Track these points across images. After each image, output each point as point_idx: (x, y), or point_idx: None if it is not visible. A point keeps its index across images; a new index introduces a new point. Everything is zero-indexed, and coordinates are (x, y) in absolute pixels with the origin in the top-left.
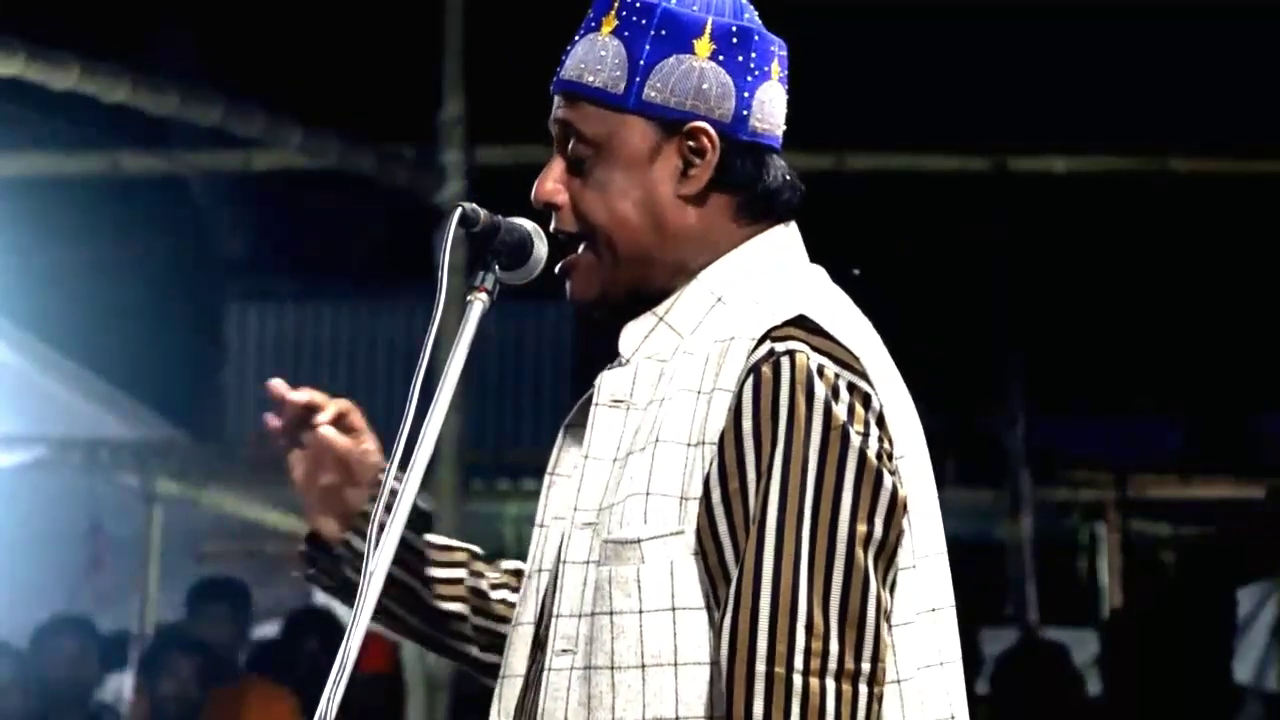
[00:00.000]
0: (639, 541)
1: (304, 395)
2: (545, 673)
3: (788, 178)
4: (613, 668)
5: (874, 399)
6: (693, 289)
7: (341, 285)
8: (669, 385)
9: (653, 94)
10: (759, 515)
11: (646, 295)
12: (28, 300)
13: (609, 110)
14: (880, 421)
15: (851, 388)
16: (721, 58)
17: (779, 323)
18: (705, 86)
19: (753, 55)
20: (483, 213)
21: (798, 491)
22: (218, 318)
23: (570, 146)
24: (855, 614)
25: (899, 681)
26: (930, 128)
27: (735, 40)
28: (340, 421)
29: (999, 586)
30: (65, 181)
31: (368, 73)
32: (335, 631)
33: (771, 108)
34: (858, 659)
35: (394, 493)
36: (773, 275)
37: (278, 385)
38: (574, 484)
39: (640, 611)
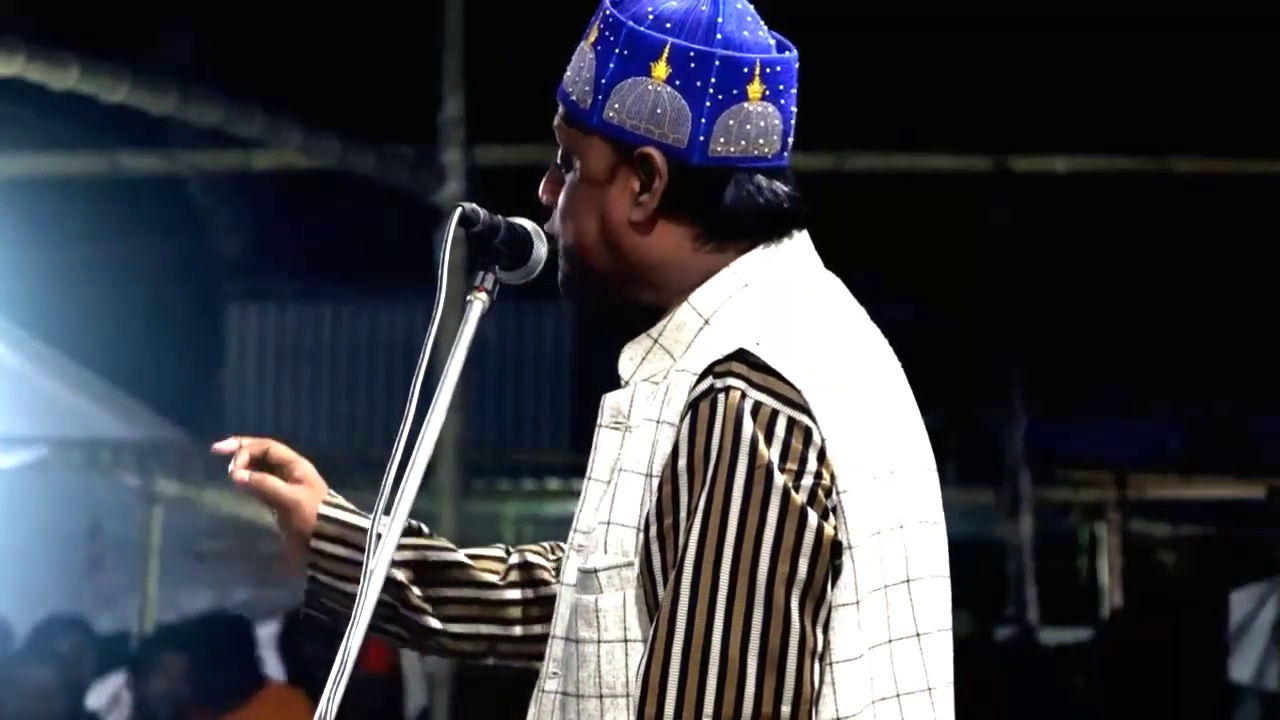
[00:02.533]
0: (596, 571)
1: (226, 445)
2: (541, 693)
3: (762, 197)
4: (579, 696)
5: (815, 434)
6: (683, 310)
7: (341, 285)
8: (648, 411)
9: (611, 114)
10: (679, 557)
11: (630, 308)
12: (28, 300)
13: (580, 125)
14: (821, 456)
15: (791, 424)
16: (678, 82)
17: (720, 357)
18: (659, 111)
19: (713, 80)
20: (483, 213)
21: (717, 533)
22: (218, 318)
23: (558, 154)
24: (775, 656)
25: (839, 719)
26: (930, 128)
27: (694, 65)
28: (265, 461)
29: (999, 586)
30: (65, 181)
31: (368, 73)
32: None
33: (745, 129)
34: (776, 702)
35: (392, 498)
36: (758, 297)
37: (219, 446)
38: (578, 504)
39: (598, 641)
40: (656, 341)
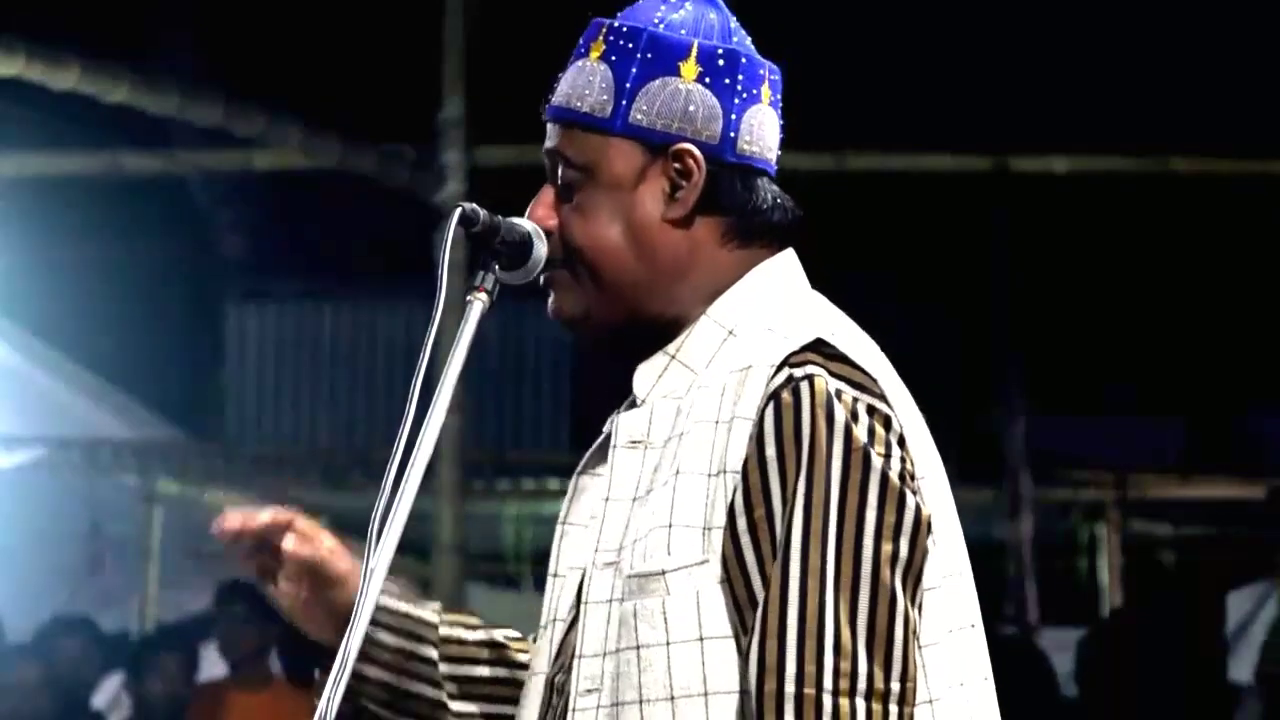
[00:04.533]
0: (664, 573)
1: (234, 521)
2: (570, 714)
3: (779, 200)
4: (641, 701)
5: (894, 420)
6: (703, 324)
7: (341, 285)
8: (686, 420)
9: (639, 116)
10: (784, 540)
11: (645, 324)
12: (28, 300)
13: (597, 134)
14: (901, 443)
15: (871, 410)
16: (708, 80)
17: (796, 348)
18: (691, 109)
19: (740, 78)
20: (483, 213)
21: (821, 515)
22: (218, 318)
23: (560, 172)
24: (884, 633)
25: (930, 701)
26: (930, 128)
27: (722, 63)
28: (290, 531)
29: (999, 586)
30: (65, 181)
31: (368, 73)
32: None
33: (761, 131)
34: (888, 678)
35: (392, 498)
36: (782, 304)
37: (223, 525)
38: (594, 528)
39: (667, 644)
40: (674, 358)
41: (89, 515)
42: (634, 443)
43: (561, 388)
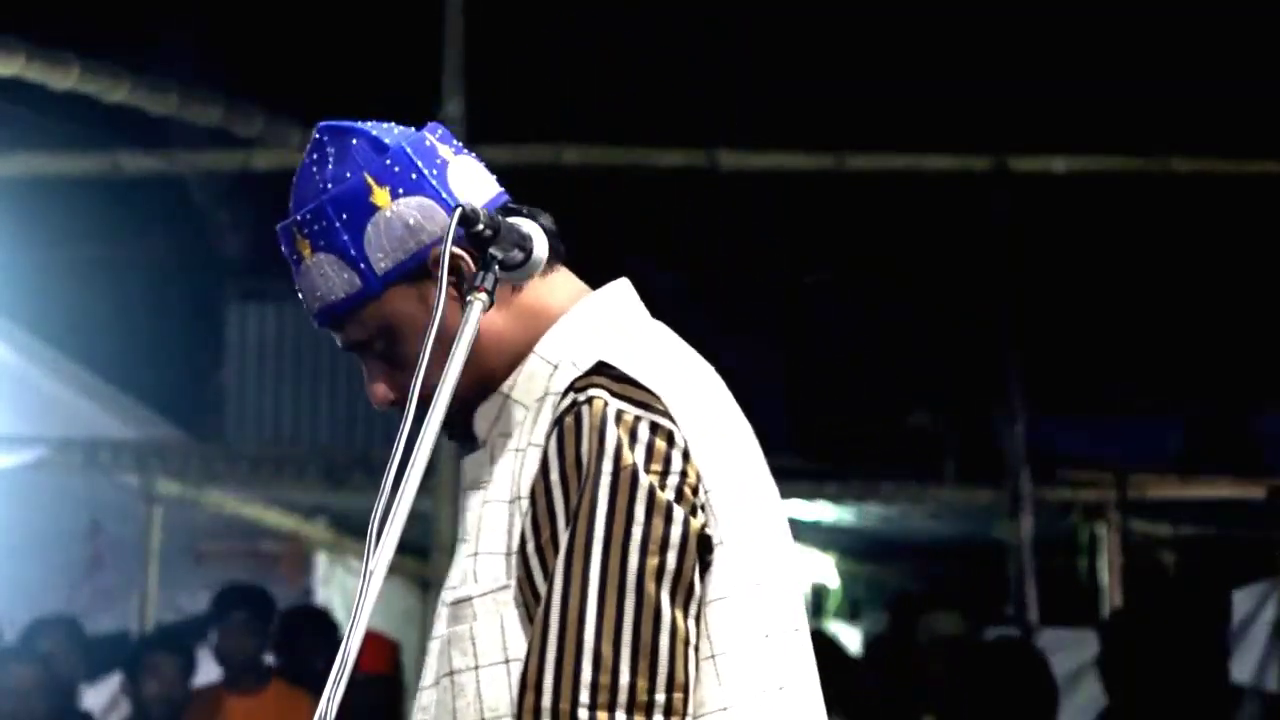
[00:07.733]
0: (470, 599)
1: None
2: None
3: (536, 220)
4: None
5: (677, 435)
6: (531, 362)
7: None
8: (512, 441)
9: (383, 264)
10: (554, 562)
11: (500, 381)
12: (28, 300)
13: (368, 305)
14: (685, 457)
15: (654, 427)
16: (400, 190)
17: (581, 373)
18: (411, 221)
19: (418, 164)
20: (483, 213)
21: (585, 532)
22: (218, 318)
23: (369, 352)
24: (647, 645)
25: (725, 709)
26: (930, 128)
27: (397, 168)
28: None
29: (999, 586)
30: (65, 181)
31: (368, 73)
32: (329, 629)
33: (469, 180)
34: (651, 690)
35: (392, 498)
36: (601, 334)
37: None
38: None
39: (476, 668)
40: (508, 397)
41: (89, 515)
42: (478, 484)
43: None
